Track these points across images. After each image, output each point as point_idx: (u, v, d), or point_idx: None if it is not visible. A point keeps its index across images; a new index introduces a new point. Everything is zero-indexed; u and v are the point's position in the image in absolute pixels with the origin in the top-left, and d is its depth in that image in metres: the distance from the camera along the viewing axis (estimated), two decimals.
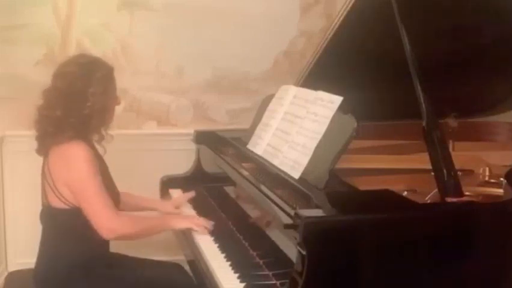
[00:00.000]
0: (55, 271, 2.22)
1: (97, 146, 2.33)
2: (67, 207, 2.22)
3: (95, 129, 2.27)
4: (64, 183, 2.20)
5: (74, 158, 2.18)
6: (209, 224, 2.33)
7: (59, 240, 2.26)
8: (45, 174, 2.27)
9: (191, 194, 2.71)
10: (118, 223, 2.19)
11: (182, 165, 3.09)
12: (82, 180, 2.17)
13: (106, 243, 2.33)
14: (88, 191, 2.16)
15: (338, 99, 2.11)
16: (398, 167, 2.39)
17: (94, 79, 2.22)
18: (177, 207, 2.64)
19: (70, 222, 2.22)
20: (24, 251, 3.19)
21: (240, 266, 2.01)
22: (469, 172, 2.37)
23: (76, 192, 2.18)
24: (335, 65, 2.55)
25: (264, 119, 2.55)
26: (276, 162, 2.25)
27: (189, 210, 2.65)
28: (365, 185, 2.07)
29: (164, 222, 2.38)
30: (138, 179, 3.23)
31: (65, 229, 2.25)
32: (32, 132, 2.32)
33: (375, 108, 2.53)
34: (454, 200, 1.84)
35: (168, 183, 2.99)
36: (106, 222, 2.16)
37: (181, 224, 2.35)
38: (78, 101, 2.21)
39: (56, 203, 2.23)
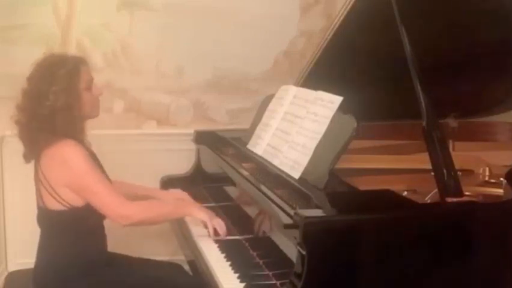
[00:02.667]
0: (54, 273, 2.22)
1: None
2: (65, 208, 2.21)
3: (66, 125, 2.20)
4: (65, 184, 2.19)
5: (69, 157, 2.17)
6: (223, 229, 2.25)
7: (58, 242, 2.25)
8: (39, 178, 2.25)
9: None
10: (130, 209, 2.19)
11: (183, 165, 3.09)
12: (83, 177, 2.17)
13: (104, 243, 2.33)
14: (92, 185, 2.17)
15: (338, 99, 2.11)
16: (398, 167, 2.39)
17: (57, 77, 2.20)
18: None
19: (68, 223, 2.22)
20: (24, 251, 3.18)
21: (240, 266, 2.02)
22: (469, 172, 2.37)
23: (80, 190, 2.18)
24: (335, 65, 2.55)
25: (264, 119, 2.55)
26: (276, 162, 2.25)
27: None
28: (365, 185, 2.07)
29: (181, 208, 2.35)
30: (138, 179, 3.23)
31: (63, 230, 2.24)
32: None
33: (375, 108, 2.53)
34: (454, 200, 1.85)
35: (168, 183, 2.99)
36: (118, 209, 2.17)
37: (199, 214, 2.28)
38: (38, 102, 2.18)
39: (54, 205, 2.22)
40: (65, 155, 2.18)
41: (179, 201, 2.54)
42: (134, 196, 2.59)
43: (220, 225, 2.26)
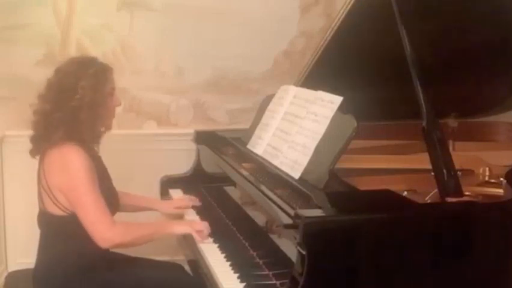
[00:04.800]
0: (54, 274, 2.21)
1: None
2: (64, 213, 2.20)
3: (87, 125, 2.22)
4: (59, 189, 2.18)
5: (70, 165, 2.15)
6: (207, 228, 2.27)
7: (58, 245, 2.24)
8: (40, 179, 2.25)
9: (195, 199, 2.65)
10: (113, 233, 2.16)
11: (183, 165, 3.09)
12: (77, 189, 2.14)
13: None
14: (83, 200, 2.14)
15: (338, 99, 2.11)
16: (398, 167, 2.39)
17: (86, 74, 2.22)
18: (177, 208, 2.63)
19: (69, 228, 2.20)
20: (24, 251, 3.18)
21: (240, 266, 2.01)
22: (469, 172, 2.36)
23: (71, 200, 2.17)
24: (335, 65, 2.55)
25: (264, 119, 2.55)
26: (276, 162, 2.25)
27: (192, 216, 2.59)
28: (365, 185, 2.07)
29: (163, 228, 2.34)
30: (138, 179, 3.24)
31: (63, 235, 2.22)
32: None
33: (375, 108, 2.53)
34: (454, 200, 1.84)
35: (168, 183, 2.99)
36: (101, 232, 2.14)
37: (179, 230, 2.30)
38: (67, 95, 2.19)
39: (53, 210, 2.21)
40: (67, 159, 2.16)
41: (161, 222, 2.54)
42: (136, 208, 2.60)
43: (203, 227, 2.26)
